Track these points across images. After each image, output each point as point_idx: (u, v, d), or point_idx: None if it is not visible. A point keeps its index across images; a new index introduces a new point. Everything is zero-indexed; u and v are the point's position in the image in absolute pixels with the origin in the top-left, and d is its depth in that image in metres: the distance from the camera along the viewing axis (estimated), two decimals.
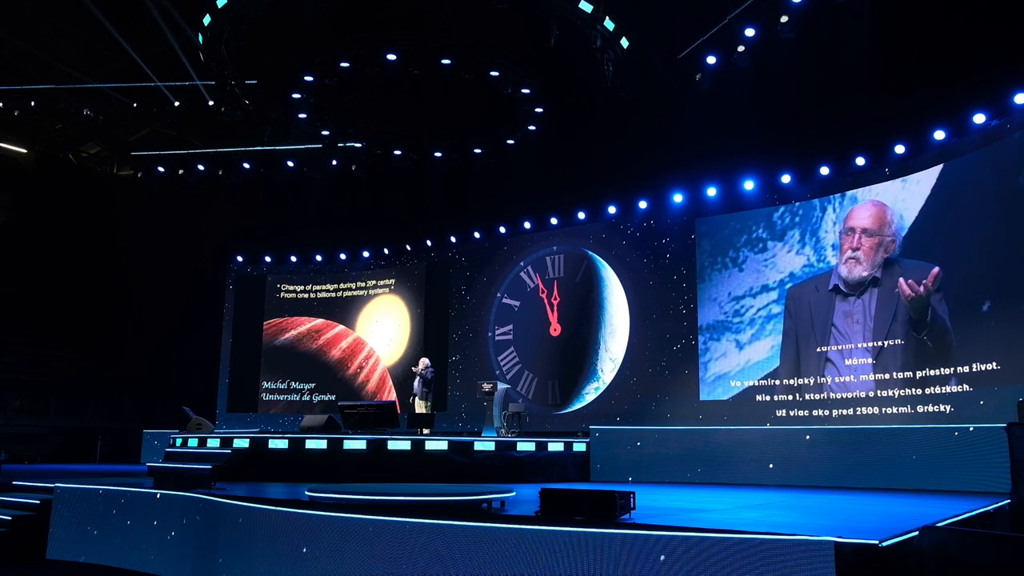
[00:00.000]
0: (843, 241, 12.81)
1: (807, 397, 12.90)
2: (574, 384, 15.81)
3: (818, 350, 12.86)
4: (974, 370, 10.90)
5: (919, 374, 11.65)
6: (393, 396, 17.86)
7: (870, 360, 12.24)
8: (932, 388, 11.43)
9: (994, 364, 10.61)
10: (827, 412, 12.56)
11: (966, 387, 10.98)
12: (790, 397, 13.09)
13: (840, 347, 12.58)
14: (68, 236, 21.04)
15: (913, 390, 11.68)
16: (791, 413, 12.94)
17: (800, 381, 13.03)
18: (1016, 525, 5.90)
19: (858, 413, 12.23)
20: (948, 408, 11.08)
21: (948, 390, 11.22)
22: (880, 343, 12.13)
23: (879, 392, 12.11)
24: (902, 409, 11.70)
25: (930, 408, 11.32)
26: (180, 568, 7.29)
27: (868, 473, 9.30)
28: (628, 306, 15.36)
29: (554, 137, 15.18)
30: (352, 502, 6.00)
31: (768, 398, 13.32)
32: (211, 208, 19.78)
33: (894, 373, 11.93)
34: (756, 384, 13.53)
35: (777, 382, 13.31)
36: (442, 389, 16.73)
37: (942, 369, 11.35)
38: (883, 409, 11.96)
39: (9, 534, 8.59)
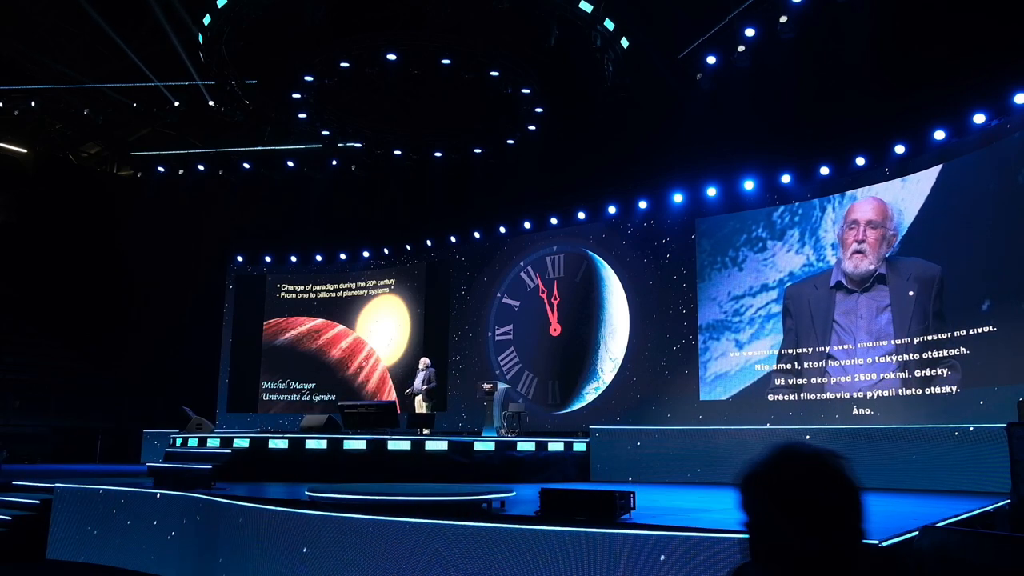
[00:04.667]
0: (846, 236, 12.74)
1: (809, 396, 12.89)
2: (574, 384, 15.80)
3: (819, 349, 12.85)
4: (974, 369, 10.90)
5: (919, 373, 11.65)
6: (393, 396, 17.85)
7: (873, 358, 12.22)
8: (932, 388, 11.43)
9: (994, 364, 10.61)
10: (829, 411, 12.54)
11: (966, 387, 10.97)
12: (791, 397, 13.09)
13: (843, 346, 12.53)
14: (68, 236, 21.01)
15: (914, 390, 11.68)
16: (791, 413, 12.92)
17: (800, 381, 13.03)
18: (1016, 525, 5.90)
19: (859, 413, 12.22)
20: (948, 408, 11.07)
21: (948, 390, 11.22)
22: (885, 341, 12.10)
23: (882, 392, 12.10)
24: (902, 408, 11.69)
25: (930, 407, 11.32)
26: (180, 568, 7.29)
27: (868, 473, 9.17)
28: (628, 306, 15.35)
29: (554, 137, 15.16)
30: (352, 502, 6.00)
31: (769, 397, 13.31)
32: (211, 208, 19.75)
33: (895, 373, 11.92)
34: (756, 383, 13.52)
35: (778, 381, 13.30)
36: (442, 389, 16.72)
37: (942, 369, 11.35)
38: (884, 408, 11.96)
39: (9, 534, 8.59)
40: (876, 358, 12.16)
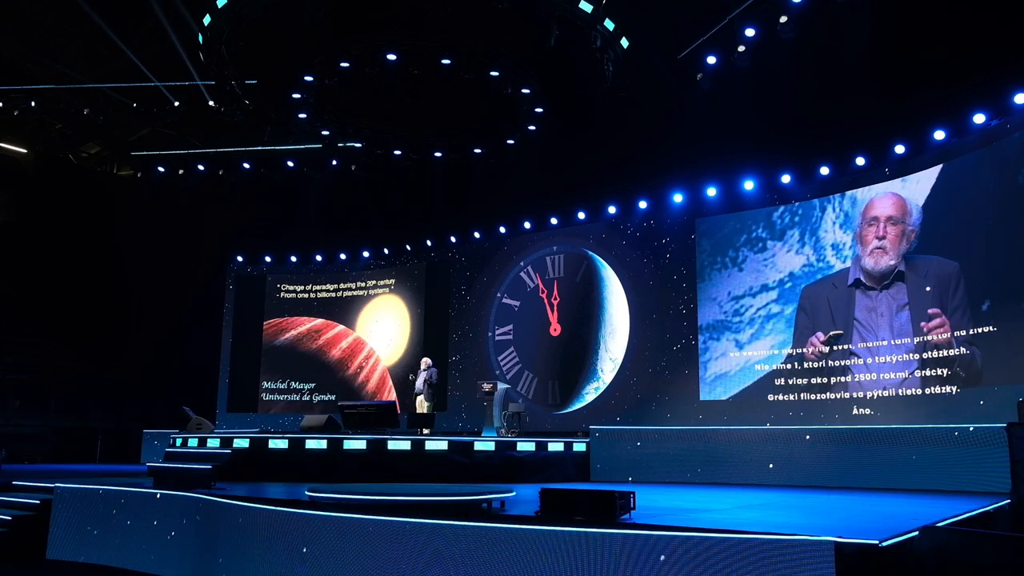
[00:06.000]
0: (865, 232, 12.58)
1: (811, 396, 12.88)
2: (574, 384, 15.81)
3: (839, 347, 12.74)
4: (973, 369, 10.90)
5: (918, 373, 11.65)
6: (393, 396, 17.86)
7: (896, 356, 12.09)
8: (932, 388, 11.44)
9: (994, 364, 10.61)
10: (829, 411, 12.52)
11: (966, 387, 10.97)
12: (792, 397, 13.08)
13: (866, 343, 12.41)
14: (68, 236, 21.02)
15: (913, 390, 11.68)
16: (791, 413, 12.91)
17: (803, 380, 13.02)
18: (1016, 525, 5.90)
19: (859, 413, 12.22)
20: (948, 408, 11.07)
21: (948, 390, 11.22)
22: (906, 339, 11.97)
23: (882, 392, 12.09)
24: (902, 408, 11.68)
25: (929, 407, 11.31)
26: (180, 568, 7.29)
27: (868, 473, 9.31)
28: (628, 306, 15.35)
29: (554, 137, 15.16)
30: (352, 502, 6.00)
31: (769, 397, 13.31)
32: (211, 208, 19.76)
33: (916, 371, 11.85)
34: (757, 383, 13.51)
35: (779, 381, 13.29)
36: (442, 389, 16.72)
37: (942, 369, 11.34)
38: (883, 408, 11.95)
39: (9, 534, 8.58)
40: (898, 356, 12.03)
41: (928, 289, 11.77)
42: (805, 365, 13.01)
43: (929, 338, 11.58)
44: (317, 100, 14.25)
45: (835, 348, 12.72)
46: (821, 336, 12.91)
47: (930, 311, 11.67)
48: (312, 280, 19.79)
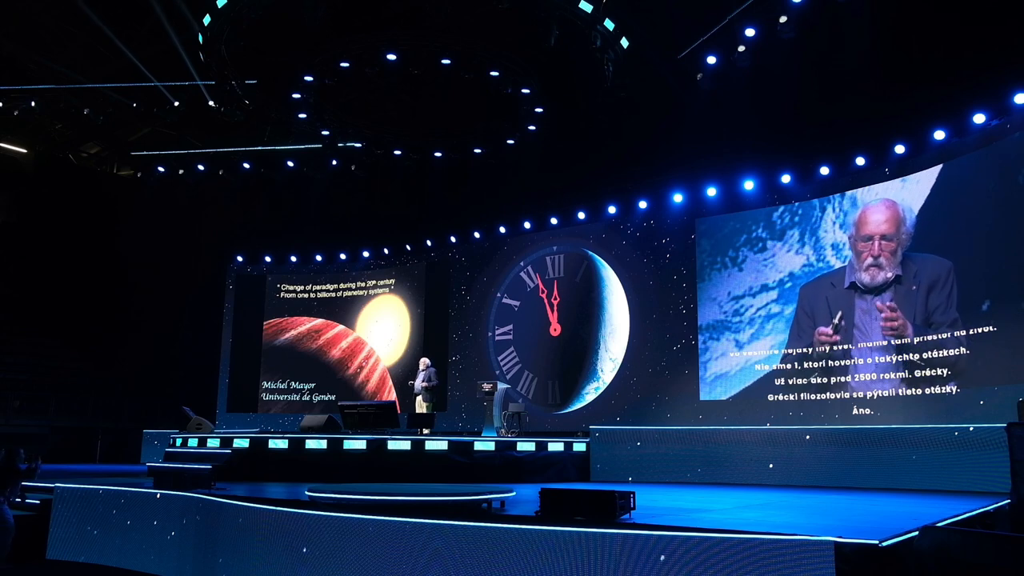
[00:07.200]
0: (860, 247, 12.54)
1: (811, 396, 12.88)
2: (574, 384, 15.80)
3: (837, 347, 12.74)
4: (974, 369, 10.90)
5: (918, 373, 11.65)
6: (393, 396, 17.86)
7: (896, 357, 12.08)
8: (932, 388, 11.43)
9: (994, 364, 10.60)
10: (829, 411, 12.51)
11: (966, 387, 10.97)
12: (792, 397, 13.08)
13: (865, 344, 12.39)
14: (68, 236, 21.04)
15: (913, 390, 11.68)
16: (791, 413, 12.90)
17: (803, 380, 13.01)
18: (1016, 525, 5.90)
19: (859, 413, 12.21)
20: (948, 408, 11.06)
21: (948, 390, 11.22)
22: (900, 340, 11.99)
23: (882, 392, 12.09)
24: (902, 408, 11.67)
25: (930, 407, 11.31)
26: (180, 568, 7.29)
27: (868, 473, 9.32)
28: (628, 306, 15.35)
29: (554, 137, 15.17)
30: (352, 502, 6.01)
31: (769, 397, 13.31)
32: (211, 208, 19.77)
33: (909, 372, 11.87)
34: (757, 383, 13.51)
35: (781, 381, 13.29)
36: (442, 389, 16.72)
37: (942, 369, 11.34)
38: (884, 408, 11.94)
39: None
40: (897, 357, 12.02)
41: (914, 288, 11.79)
42: (806, 364, 13.01)
43: (884, 328, 11.88)
44: (317, 100, 14.26)
45: (836, 348, 12.71)
46: (822, 328, 12.87)
47: (878, 300, 11.99)
48: (312, 280, 19.79)
